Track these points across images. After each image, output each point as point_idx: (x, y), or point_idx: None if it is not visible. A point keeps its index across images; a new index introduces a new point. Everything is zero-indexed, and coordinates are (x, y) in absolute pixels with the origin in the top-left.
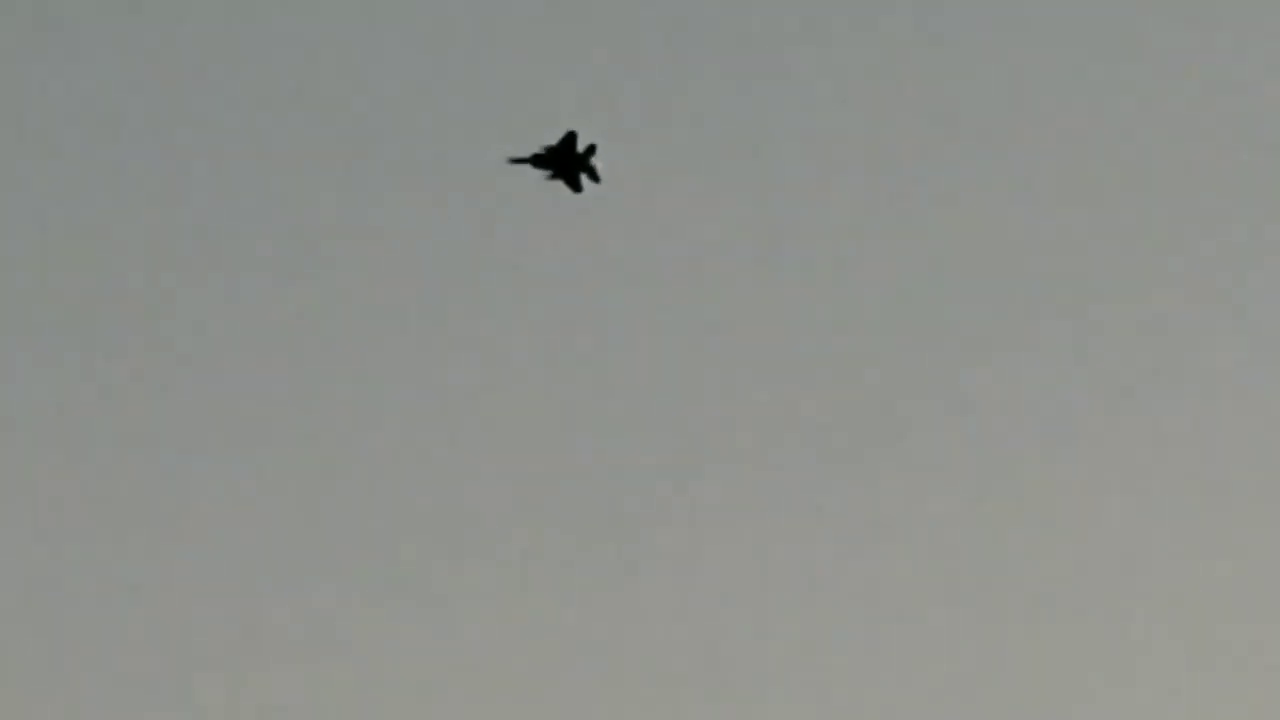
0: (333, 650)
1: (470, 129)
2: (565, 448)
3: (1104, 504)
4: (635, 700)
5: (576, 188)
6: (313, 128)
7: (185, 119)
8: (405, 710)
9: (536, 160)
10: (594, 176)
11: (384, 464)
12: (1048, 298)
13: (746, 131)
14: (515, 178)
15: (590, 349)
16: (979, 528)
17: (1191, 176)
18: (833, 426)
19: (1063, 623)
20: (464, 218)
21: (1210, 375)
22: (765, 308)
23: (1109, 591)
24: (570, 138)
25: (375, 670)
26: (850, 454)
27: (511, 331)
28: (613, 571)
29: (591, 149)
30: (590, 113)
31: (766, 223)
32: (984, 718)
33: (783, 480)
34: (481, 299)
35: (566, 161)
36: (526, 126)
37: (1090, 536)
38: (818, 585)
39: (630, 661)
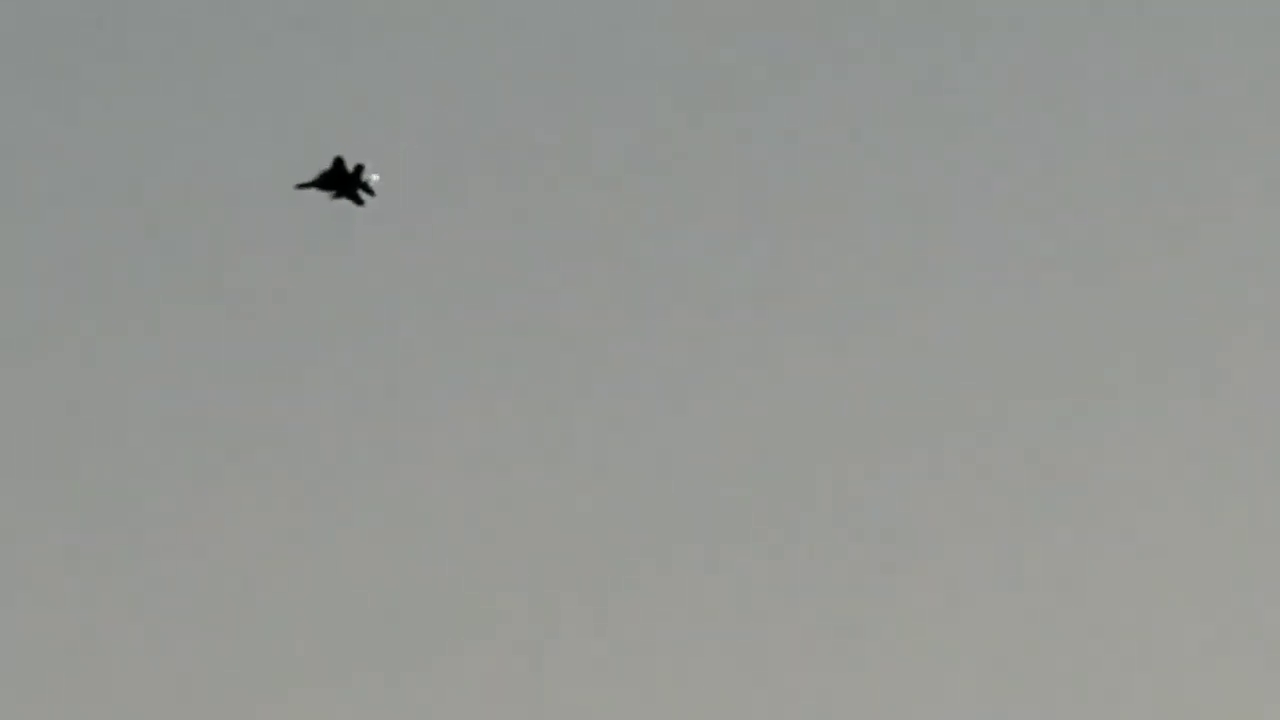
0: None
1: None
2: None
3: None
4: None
5: (359, 202)
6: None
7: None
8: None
9: (319, 184)
10: (369, 191)
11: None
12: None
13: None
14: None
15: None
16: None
17: (1191, 177)
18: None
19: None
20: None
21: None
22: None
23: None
24: (339, 161)
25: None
26: (855, 456)
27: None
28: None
29: (360, 168)
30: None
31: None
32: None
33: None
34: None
35: (344, 182)
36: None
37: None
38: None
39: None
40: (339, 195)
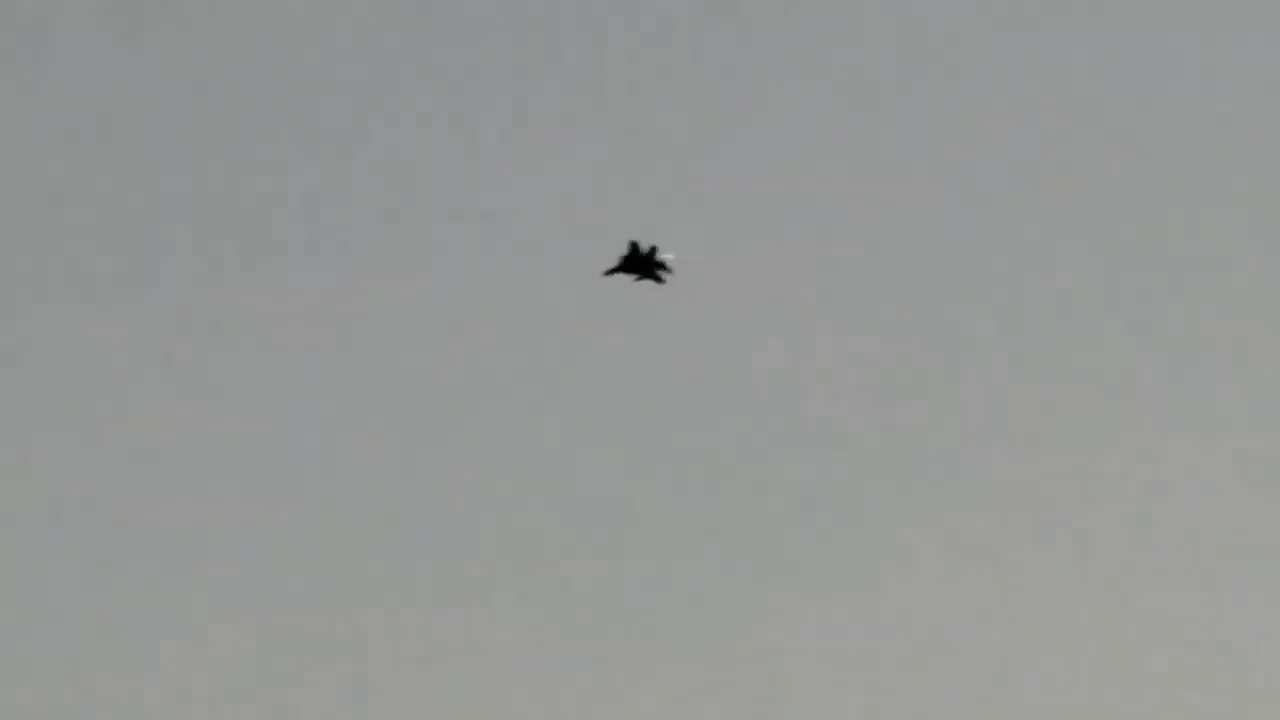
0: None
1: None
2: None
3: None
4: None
5: (660, 281)
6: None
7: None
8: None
9: (622, 268)
10: (667, 269)
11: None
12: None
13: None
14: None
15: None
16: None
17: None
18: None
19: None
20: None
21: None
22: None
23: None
24: (634, 245)
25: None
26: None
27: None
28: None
29: (654, 249)
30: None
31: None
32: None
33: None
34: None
35: (642, 264)
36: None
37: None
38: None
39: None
40: (641, 278)
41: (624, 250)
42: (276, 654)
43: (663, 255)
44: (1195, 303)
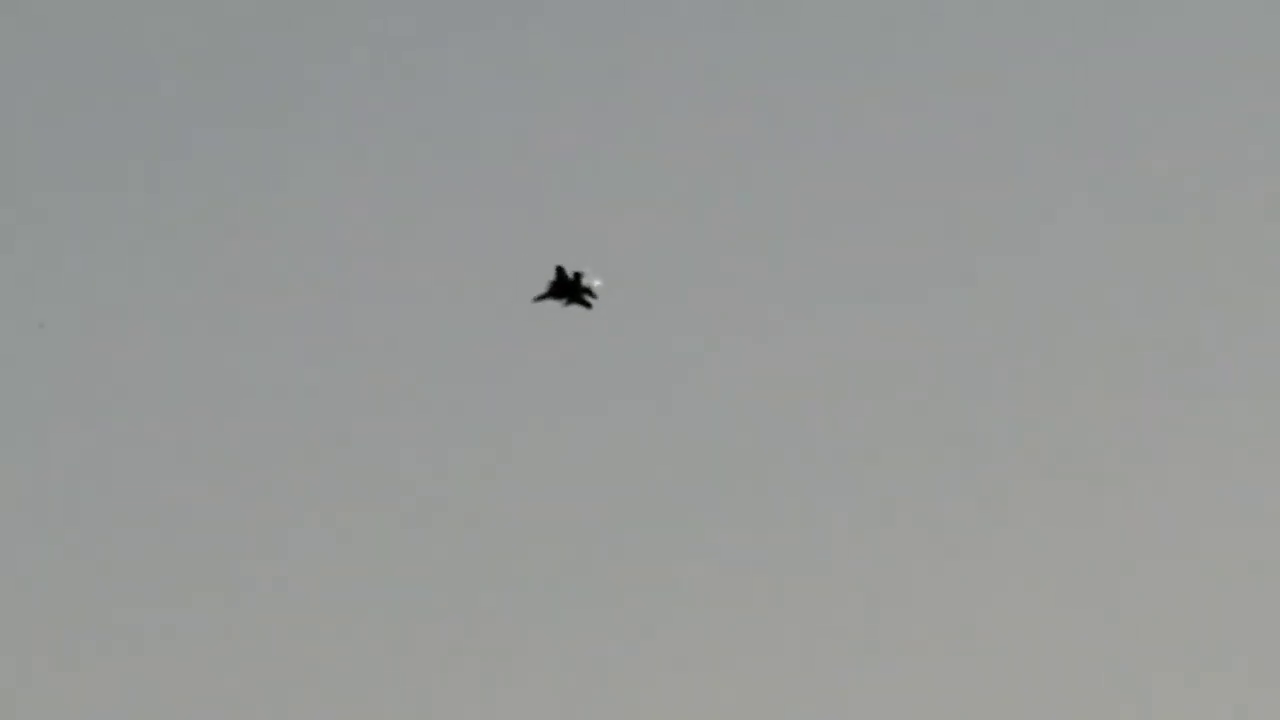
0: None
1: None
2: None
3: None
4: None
5: (587, 306)
6: None
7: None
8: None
9: (551, 294)
10: (593, 295)
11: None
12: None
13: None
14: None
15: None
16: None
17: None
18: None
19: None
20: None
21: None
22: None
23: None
24: (560, 271)
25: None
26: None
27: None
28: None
29: (579, 274)
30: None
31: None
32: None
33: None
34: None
35: (569, 290)
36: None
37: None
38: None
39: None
40: (570, 302)
41: (551, 276)
42: (276, 654)
43: (589, 280)
44: (1195, 303)
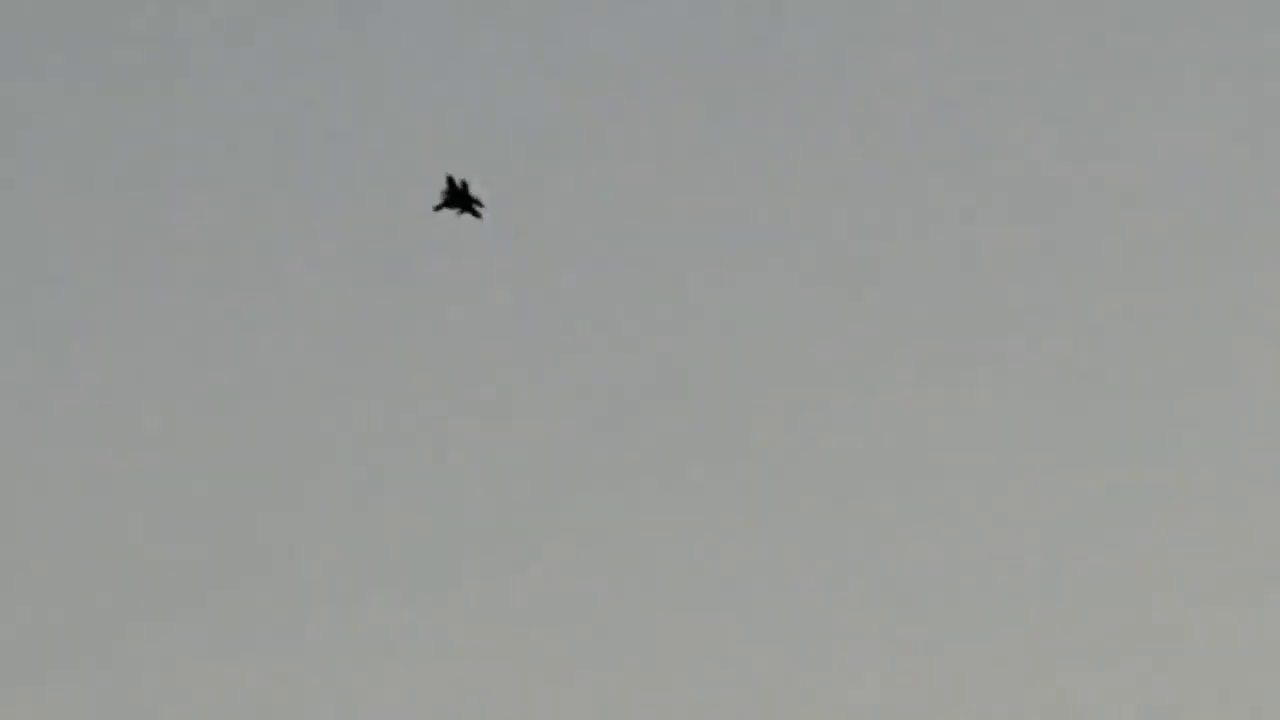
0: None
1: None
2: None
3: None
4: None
5: (477, 215)
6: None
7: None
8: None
9: (447, 204)
10: (480, 204)
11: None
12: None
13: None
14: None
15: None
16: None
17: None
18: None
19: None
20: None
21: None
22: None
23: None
24: (450, 180)
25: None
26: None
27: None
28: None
29: (465, 184)
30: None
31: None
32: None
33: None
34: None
35: (461, 199)
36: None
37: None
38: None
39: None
40: (462, 212)
41: (443, 187)
42: (277, 652)
43: (475, 191)
44: (1197, 302)
